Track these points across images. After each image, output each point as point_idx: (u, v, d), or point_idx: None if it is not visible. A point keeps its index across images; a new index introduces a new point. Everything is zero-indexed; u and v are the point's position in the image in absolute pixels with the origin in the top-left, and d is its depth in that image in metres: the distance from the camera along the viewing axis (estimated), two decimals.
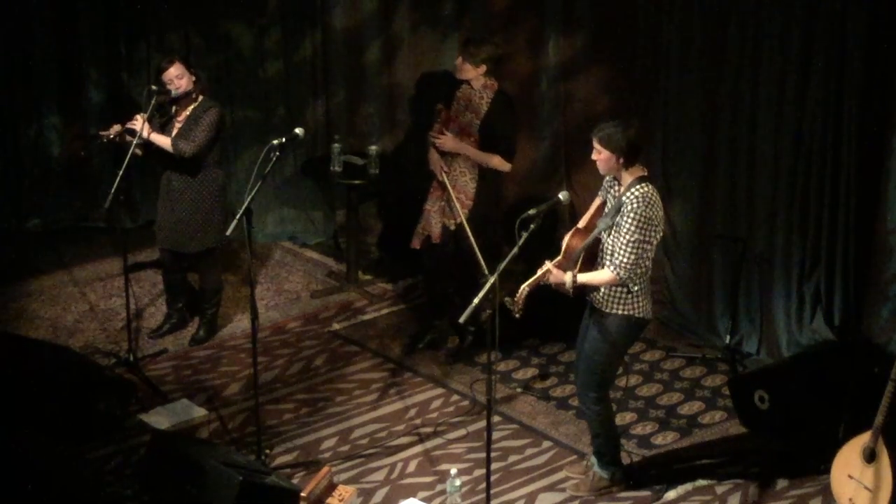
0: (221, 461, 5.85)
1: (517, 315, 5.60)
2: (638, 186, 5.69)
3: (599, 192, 5.98)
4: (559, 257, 5.81)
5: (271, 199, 9.05)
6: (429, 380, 7.30)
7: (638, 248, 5.68)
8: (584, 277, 5.74)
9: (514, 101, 7.31)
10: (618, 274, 5.71)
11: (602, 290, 5.83)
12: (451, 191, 7.16)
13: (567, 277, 5.70)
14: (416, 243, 7.44)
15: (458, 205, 7.13)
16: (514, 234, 5.46)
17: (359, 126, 8.93)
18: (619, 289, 5.80)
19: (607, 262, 5.76)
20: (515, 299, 5.60)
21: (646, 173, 5.77)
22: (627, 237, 5.66)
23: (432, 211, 7.34)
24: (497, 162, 7.16)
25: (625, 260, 5.69)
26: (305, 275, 8.65)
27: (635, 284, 5.78)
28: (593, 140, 5.73)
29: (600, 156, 5.73)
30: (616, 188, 5.82)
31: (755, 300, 7.39)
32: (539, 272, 5.73)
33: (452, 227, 7.25)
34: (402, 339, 7.75)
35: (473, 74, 7.11)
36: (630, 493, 6.26)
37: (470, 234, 7.04)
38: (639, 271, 5.76)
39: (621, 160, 5.68)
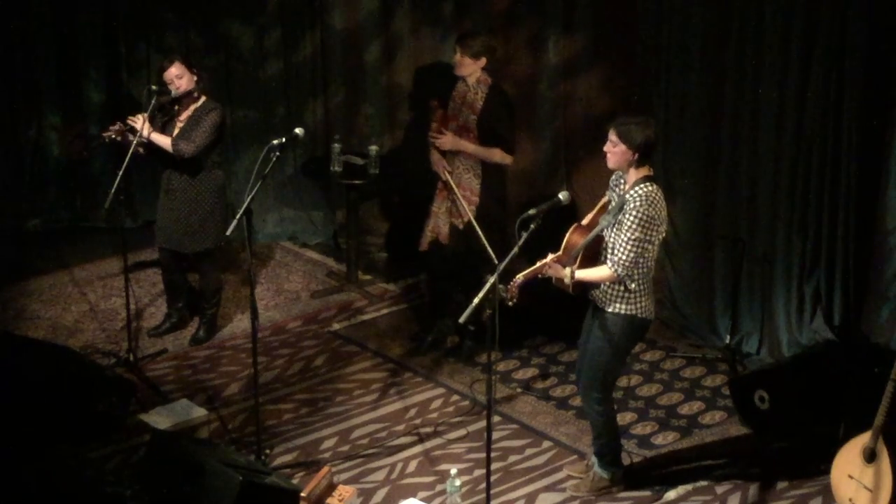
0: (221, 461, 5.85)
1: (510, 303, 5.58)
2: (642, 185, 5.69)
3: (607, 192, 5.96)
4: (559, 252, 5.81)
5: (271, 199, 9.06)
6: (429, 380, 7.30)
7: (638, 246, 5.67)
8: (581, 273, 5.74)
9: (508, 95, 7.31)
10: (616, 271, 5.71)
11: (603, 286, 5.83)
12: (455, 190, 7.17)
13: (566, 272, 5.71)
14: (423, 245, 7.44)
15: (464, 203, 7.13)
16: (515, 234, 5.47)
17: (359, 126, 8.93)
18: (619, 286, 5.80)
19: (607, 259, 5.77)
20: (509, 287, 5.59)
21: (651, 173, 5.76)
22: (629, 234, 5.66)
23: (439, 212, 7.34)
24: (499, 156, 7.16)
25: (624, 257, 5.69)
26: (305, 275, 8.65)
27: (633, 282, 5.77)
28: (610, 132, 5.70)
29: (615, 149, 5.70)
30: (621, 186, 5.82)
31: (756, 300, 7.39)
32: (538, 264, 5.73)
33: (461, 227, 7.25)
34: (402, 339, 7.75)
35: (473, 68, 7.11)
36: (630, 493, 6.26)
37: (479, 230, 7.05)
38: (640, 270, 5.76)
39: (636, 156, 5.67)
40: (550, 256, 5.75)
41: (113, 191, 6.96)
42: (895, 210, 6.75)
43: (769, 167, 7.19)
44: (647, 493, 6.26)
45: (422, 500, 6.16)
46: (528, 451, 6.62)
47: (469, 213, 7.12)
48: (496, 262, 6.53)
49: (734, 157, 7.35)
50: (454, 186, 7.17)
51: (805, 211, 7.11)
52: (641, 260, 5.73)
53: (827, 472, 6.03)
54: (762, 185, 7.25)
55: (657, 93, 7.67)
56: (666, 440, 6.73)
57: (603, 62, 7.99)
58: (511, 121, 7.24)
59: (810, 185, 7.06)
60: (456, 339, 7.56)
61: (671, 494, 6.25)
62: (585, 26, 7.99)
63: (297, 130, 6.44)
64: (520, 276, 5.67)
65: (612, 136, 5.70)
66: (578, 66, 8.09)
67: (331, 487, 6.09)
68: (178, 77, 7.19)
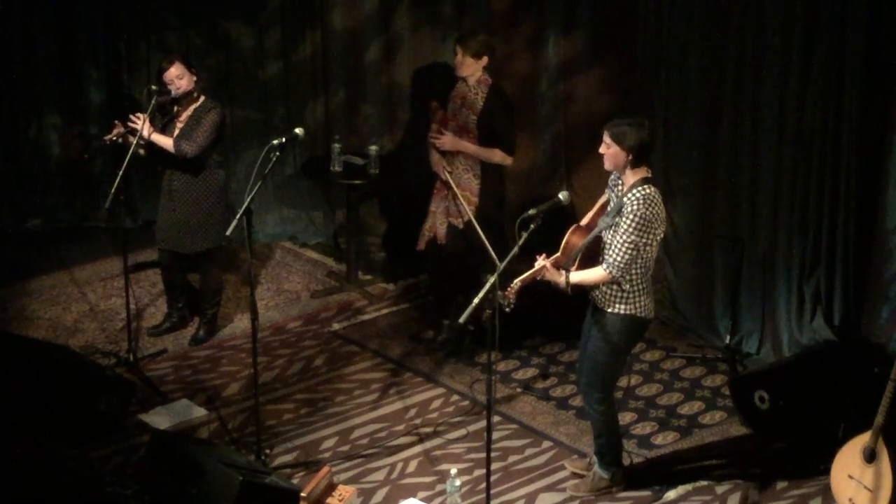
0: (221, 461, 5.85)
1: (507, 309, 5.57)
2: (641, 188, 5.68)
3: (605, 191, 5.96)
4: (558, 254, 5.81)
5: (271, 199, 9.06)
6: (429, 380, 7.30)
7: (634, 249, 5.67)
8: (576, 277, 5.74)
9: (508, 95, 7.31)
10: (610, 272, 5.71)
11: (602, 287, 5.83)
12: (455, 189, 7.17)
13: (562, 278, 5.70)
14: (421, 244, 7.44)
15: (464, 202, 7.14)
16: (515, 234, 5.47)
17: (359, 126, 8.93)
18: (617, 286, 5.80)
19: (603, 260, 5.76)
20: (506, 293, 5.58)
21: (650, 174, 5.75)
22: (625, 237, 5.66)
23: (437, 212, 7.34)
24: (499, 157, 7.17)
25: (619, 259, 5.68)
26: (305, 275, 8.65)
27: (627, 283, 5.77)
28: (604, 133, 5.69)
29: (609, 150, 5.70)
30: (620, 187, 5.81)
31: (756, 300, 7.39)
32: (535, 268, 5.73)
33: (460, 226, 7.25)
34: (402, 339, 7.75)
35: (475, 68, 7.11)
36: (630, 493, 6.26)
37: (479, 229, 7.05)
38: (637, 270, 5.76)
39: (630, 157, 5.66)
40: (549, 259, 5.74)
41: (113, 191, 6.97)
42: (895, 210, 6.76)
43: (769, 167, 7.19)
44: (647, 493, 6.26)
45: (422, 500, 6.16)
46: (528, 451, 6.62)
47: (469, 212, 7.12)
48: (497, 262, 6.53)
49: (734, 157, 7.35)
50: (454, 185, 7.18)
51: (805, 211, 7.11)
52: (640, 260, 5.73)
53: (827, 472, 6.03)
54: (762, 185, 7.25)
55: (657, 93, 7.68)
56: (666, 440, 6.73)
57: (603, 62, 7.99)
58: (511, 121, 7.24)
59: (810, 185, 7.06)
60: (456, 339, 7.56)
61: (671, 494, 6.26)
62: (585, 26, 8.00)
63: (297, 130, 6.44)
64: (517, 281, 5.66)
65: (606, 137, 5.70)
66: (578, 66, 8.09)
67: (331, 487, 6.09)
68: (179, 77, 7.19)
